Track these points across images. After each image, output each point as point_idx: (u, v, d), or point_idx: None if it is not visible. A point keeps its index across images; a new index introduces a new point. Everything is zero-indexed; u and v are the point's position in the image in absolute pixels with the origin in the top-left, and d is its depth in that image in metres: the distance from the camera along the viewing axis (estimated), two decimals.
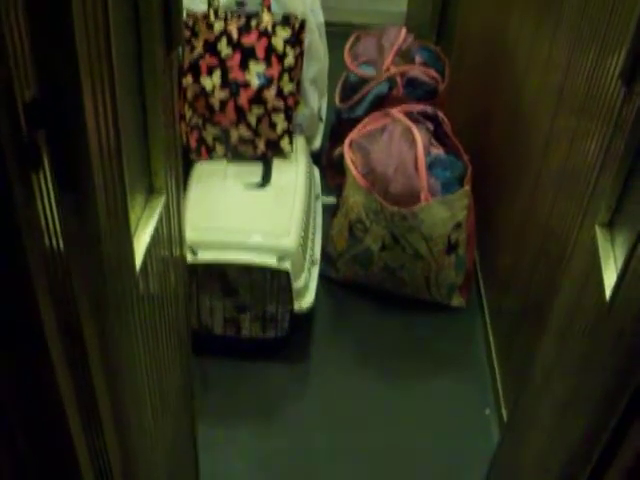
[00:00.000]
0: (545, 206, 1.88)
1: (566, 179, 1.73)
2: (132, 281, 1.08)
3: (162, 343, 1.38)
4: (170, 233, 1.33)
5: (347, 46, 2.80)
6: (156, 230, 1.19)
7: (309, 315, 2.32)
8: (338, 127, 2.78)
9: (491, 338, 2.37)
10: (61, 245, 0.87)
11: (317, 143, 2.77)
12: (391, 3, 4.00)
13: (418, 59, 2.72)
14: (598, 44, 1.58)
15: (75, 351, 0.93)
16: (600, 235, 1.26)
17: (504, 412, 2.14)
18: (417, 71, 2.66)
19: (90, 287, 0.94)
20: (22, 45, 0.73)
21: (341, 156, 2.42)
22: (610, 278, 1.16)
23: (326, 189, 2.74)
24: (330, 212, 2.58)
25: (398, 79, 2.64)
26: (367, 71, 2.70)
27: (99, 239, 0.91)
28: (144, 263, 1.13)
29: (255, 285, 2.15)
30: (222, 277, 2.14)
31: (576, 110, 1.69)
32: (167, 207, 1.26)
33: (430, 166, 2.27)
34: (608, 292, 1.14)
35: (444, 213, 2.25)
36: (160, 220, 1.21)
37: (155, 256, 1.22)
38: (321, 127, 2.83)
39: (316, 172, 2.66)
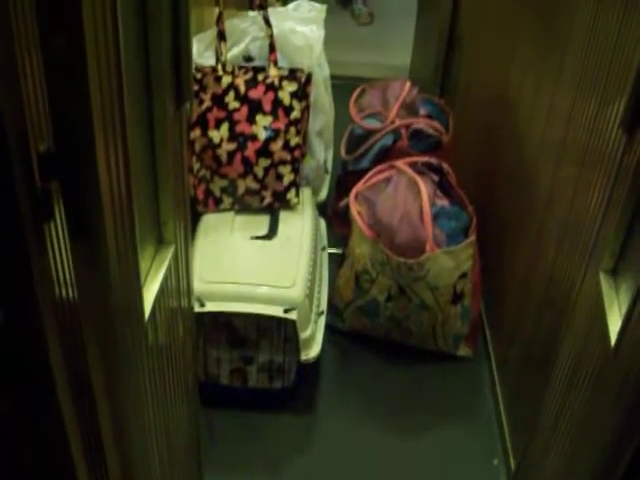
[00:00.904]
0: (549, 256, 1.90)
1: (569, 229, 1.75)
2: (141, 330, 1.10)
3: (170, 393, 1.39)
4: (178, 283, 1.34)
5: (352, 99, 2.84)
6: (165, 280, 1.21)
7: (316, 365, 2.32)
8: (344, 178, 2.81)
9: (498, 388, 2.37)
10: (72, 293, 0.88)
11: (323, 194, 2.79)
12: (395, 57, 4.06)
13: (422, 111, 2.76)
14: (599, 93, 1.61)
15: (84, 399, 0.94)
16: (604, 282, 1.27)
17: (512, 462, 2.13)
18: (421, 123, 2.69)
19: (100, 335, 0.95)
20: (38, 98, 0.75)
21: (347, 207, 2.44)
22: (615, 324, 1.17)
23: (332, 240, 2.75)
24: (336, 262, 2.59)
25: (403, 131, 2.67)
26: (372, 123, 2.73)
27: (110, 288, 0.93)
28: (153, 313, 1.15)
29: (262, 336, 2.16)
30: (229, 328, 2.15)
31: (578, 160, 1.71)
32: (176, 258, 1.27)
33: (435, 217, 2.29)
34: (613, 338, 1.15)
35: (449, 263, 2.26)
36: (169, 270, 1.23)
37: (163, 306, 1.23)
38: (327, 179, 2.86)
39: (322, 223, 2.69)
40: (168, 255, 1.22)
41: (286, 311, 2.07)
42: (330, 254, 2.65)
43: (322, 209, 2.77)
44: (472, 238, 2.31)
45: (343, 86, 2.95)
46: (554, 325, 1.80)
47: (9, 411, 0.88)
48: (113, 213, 0.90)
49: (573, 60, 1.81)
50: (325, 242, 2.65)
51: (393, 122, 2.67)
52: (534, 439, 1.69)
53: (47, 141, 0.79)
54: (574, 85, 1.79)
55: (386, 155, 2.64)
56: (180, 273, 1.34)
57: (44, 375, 0.84)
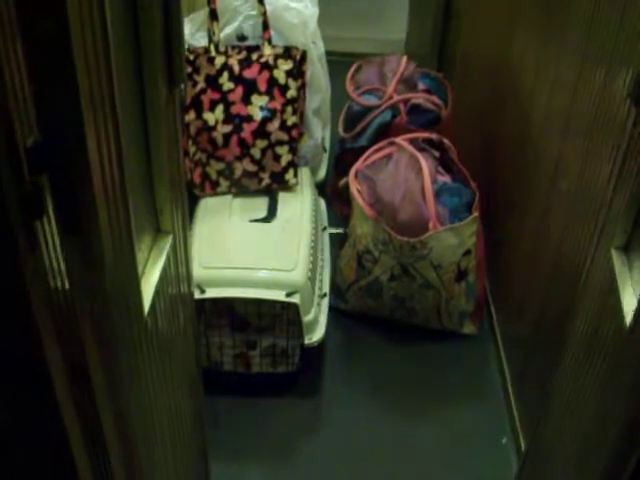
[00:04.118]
0: (557, 230, 1.86)
1: (578, 202, 1.71)
2: (141, 323, 1.06)
3: (172, 382, 1.35)
4: (177, 271, 1.31)
5: (349, 75, 2.79)
6: (164, 270, 1.17)
7: (319, 348, 2.28)
8: (342, 157, 2.76)
9: (505, 365, 2.34)
10: (67, 289, 0.85)
11: (322, 174, 2.75)
12: (391, 31, 4.00)
13: (421, 86, 2.71)
14: (606, 63, 1.56)
15: (83, 395, 0.91)
16: (616, 259, 1.23)
17: (522, 441, 2.10)
18: (420, 98, 2.65)
19: (97, 330, 0.92)
20: (23, 88, 0.71)
21: (347, 186, 2.40)
22: (629, 304, 1.13)
23: (332, 220, 2.71)
24: (337, 243, 2.56)
25: (401, 107, 2.62)
26: (370, 100, 2.68)
27: (105, 282, 0.89)
28: (153, 304, 1.11)
29: (264, 320, 2.12)
30: (231, 313, 2.11)
31: (585, 132, 1.67)
32: (174, 245, 1.24)
33: (437, 194, 2.25)
34: (628, 318, 1.12)
35: (453, 241, 2.23)
36: (168, 259, 1.19)
37: (163, 296, 1.20)
38: (325, 157, 2.81)
39: (322, 203, 2.64)
40: (166, 244, 1.18)
41: (288, 295, 2.04)
42: (331, 234, 2.61)
43: (321, 189, 2.73)
44: (476, 214, 2.27)
45: (337, 62, 2.90)
46: (563, 301, 1.77)
47: (5, 412, 0.85)
48: (107, 205, 0.86)
49: (578, 29, 1.77)
50: (325, 222, 2.60)
51: (391, 98, 2.62)
52: (545, 419, 1.66)
53: (34, 133, 0.75)
54: (579, 55, 1.74)
55: (385, 132, 2.60)
56: (179, 260, 1.30)
57: (41, 371, 0.81)
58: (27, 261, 0.75)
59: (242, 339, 2.16)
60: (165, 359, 1.27)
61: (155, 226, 1.20)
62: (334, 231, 2.67)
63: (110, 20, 0.81)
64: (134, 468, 1.11)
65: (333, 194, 2.78)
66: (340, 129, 2.77)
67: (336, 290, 2.48)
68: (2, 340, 0.79)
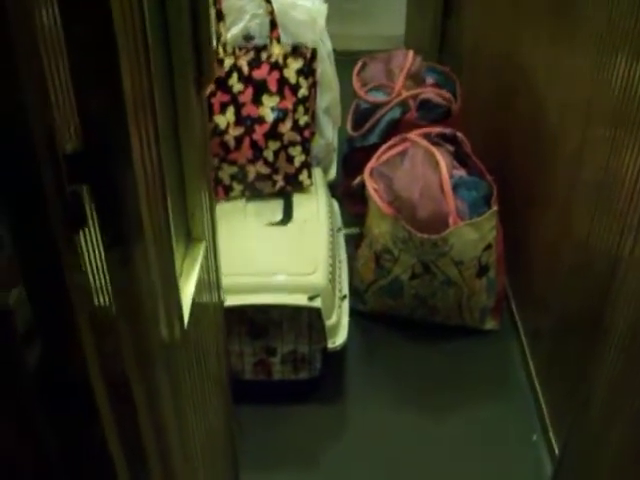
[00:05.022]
0: (582, 221, 1.81)
1: (605, 192, 1.66)
2: (180, 334, 1.02)
3: (207, 391, 1.31)
4: (209, 279, 1.26)
5: (355, 73, 2.75)
6: (199, 279, 1.12)
7: (341, 352, 2.23)
8: (351, 156, 2.72)
9: (530, 360, 2.29)
10: (109, 302, 0.81)
11: (332, 173, 2.70)
12: (390, 27, 3.96)
13: (429, 81, 2.67)
14: (626, 50, 1.52)
15: (124, 409, 0.87)
16: None
17: (552, 437, 2.06)
18: (429, 93, 2.60)
19: (138, 343, 0.88)
20: (65, 94, 0.67)
21: (361, 186, 2.35)
22: None
23: (344, 220, 2.67)
24: (352, 243, 2.51)
25: (411, 102, 2.58)
26: (378, 97, 2.64)
27: (148, 294, 0.84)
28: (190, 314, 1.07)
29: (285, 326, 2.07)
30: (250, 320, 2.06)
31: (611, 120, 1.62)
32: (206, 253, 1.19)
33: (455, 188, 2.21)
34: None
35: (474, 235, 2.18)
36: (201, 268, 1.15)
37: (199, 305, 1.15)
38: (335, 157, 2.76)
39: (335, 204, 2.59)
40: (200, 252, 1.14)
41: (310, 298, 1.99)
42: (344, 235, 2.56)
43: (331, 189, 2.68)
44: (495, 207, 2.22)
45: (340, 61, 2.85)
46: (593, 292, 1.72)
47: (49, 427, 0.81)
48: (150, 213, 0.81)
49: (594, 13, 1.72)
50: (340, 223, 2.55)
51: (400, 94, 2.58)
52: (585, 413, 1.62)
53: (74, 141, 0.71)
54: (597, 41, 1.70)
55: (395, 128, 2.56)
56: (210, 268, 1.26)
57: (82, 385, 0.77)
58: (70, 276, 0.71)
59: (262, 346, 2.11)
60: (201, 369, 1.23)
61: (186, 231, 1.16)
62: (347, 232, 2.62)
63: (149, 22, 0.77)
64: (172, 475, 1.07)
65: (344, 194, 2.73)
66: (349, 127, 2.72)
67: (354, 292, 2.43)
68: (47, 366, 0.76)
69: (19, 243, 0.67)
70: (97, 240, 0.77)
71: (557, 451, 2.00)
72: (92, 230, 0.76)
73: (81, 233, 0.74)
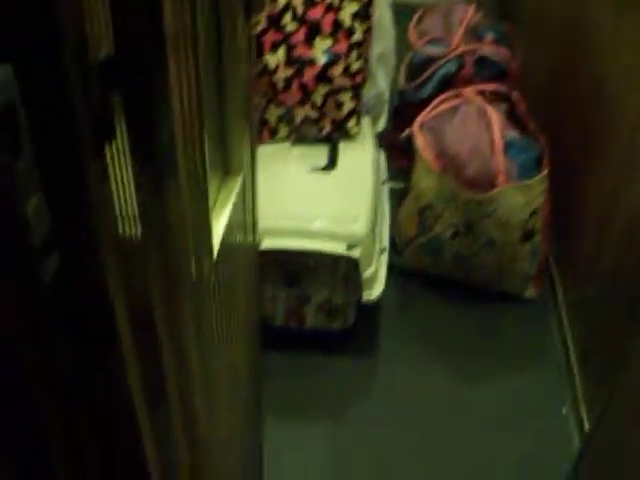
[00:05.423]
0: (637, 191, 1.74)
1: None
2: (209, 269, 0.98)
3: (235, 334, 1.28)
4: (244, 217, 1.22)
5: (412, 24, 2.67)
6: (232, 214, 1.08)
7: (375, 305, 2.19)
8: (402, 109, 2.65)
9: (567, 332, 2.23)
10: (137, 229, 0.77)
11: (381, 124, 2.62)
12: None
13: (488, 37, 2.58)
14: None
15: (145, 340, 0.84)
16: None
17: (583, 412, 2.01)
18: (488, 49, 2.52)
19: (166, 275, 0.84)
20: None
21: (408, 139, 2.29)
22: None
23: (389, 173, 2.61)
24: (395, 197, 2.45)
25: (467, 58, 2.50)
26: (434, 50, 2.56)
27: (180, 222, 0.80)
28: (220, 248, 1.03)
29: (321, 274, 2.03)
30: (286, 266, 2.03)
31: None
32: (243, 189, 1.15)
33: (505, 148, 2.14)
34: None
35: (521, 199, 2.11)
36: (236, 203, 1.10)
37: (230, 242, 1.11)
38: (386, 108, 2.69)
39: (382, 155, 2.53)
40: (236, 186, 1.09)
41: (349, 247, 1.94)
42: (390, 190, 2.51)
43: (378, 141, 2.62)
44: (546, 171, 2.15)
45: (398, 12, 2.77)
46: None
47: (66, 349, 0.78)
48: (183, 133, 0.77)
49: None
50: (385, 175, 2.49)
51: (457, 48, 2.50)
52: (623, 388, 1.56)
53: (108, 45, 0.66)
54: None
55: (449, 83, 2.49)
56: (246, 206, 1.22)
57: (104, 317, 0.73)
58: (95, 192, 0.67)
59: (296, 294, 2.08)
60: (229, 309, 1.19)
61: (223, 166, 1.12)
62: (391, 185, 2.56)
63: None
64: (192, 417, 1.04)
65: (391, 146, 2.67)
66: (401, 79, 2.65)
67: (393, 246, 2.38)
68: (64, 286, 0.72)
69: (41, 150, 0.63)
70: (125, 157, 0.73)
71: (587, 427, 1.95)
72: (121, 146, 0.72)
73: (110, 148, 0.70)
